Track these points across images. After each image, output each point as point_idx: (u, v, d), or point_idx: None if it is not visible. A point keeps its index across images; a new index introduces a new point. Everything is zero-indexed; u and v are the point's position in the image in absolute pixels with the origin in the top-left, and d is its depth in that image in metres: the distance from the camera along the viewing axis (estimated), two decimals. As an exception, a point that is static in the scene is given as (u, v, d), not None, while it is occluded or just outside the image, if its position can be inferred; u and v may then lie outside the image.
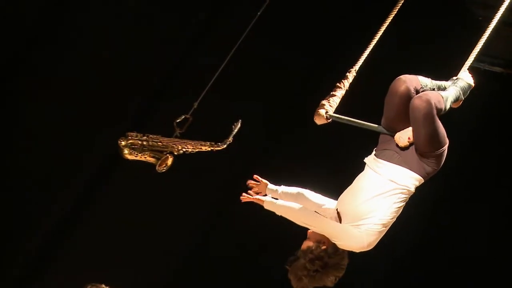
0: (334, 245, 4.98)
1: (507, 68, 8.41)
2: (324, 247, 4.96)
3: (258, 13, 5.78)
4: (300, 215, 5.08)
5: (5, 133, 7.67)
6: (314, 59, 8.41)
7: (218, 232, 8.77)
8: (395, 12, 5.45)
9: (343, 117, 5.21)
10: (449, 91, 5.14)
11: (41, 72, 7.60)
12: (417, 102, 4.90)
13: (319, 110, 5.20)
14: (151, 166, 5.66)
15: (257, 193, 5.32)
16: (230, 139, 5.46)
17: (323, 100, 5.25)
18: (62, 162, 7.85)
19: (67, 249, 8.17)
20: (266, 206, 5.18)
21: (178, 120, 5.51)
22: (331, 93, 5.28)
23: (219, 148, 5.46)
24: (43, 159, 7.81)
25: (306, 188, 5.28)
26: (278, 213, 5.16)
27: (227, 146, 5.44)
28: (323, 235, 5.00)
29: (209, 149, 5.45)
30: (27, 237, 7.93)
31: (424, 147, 4.97)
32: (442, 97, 5.01)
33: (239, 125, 5.49)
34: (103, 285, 6.42)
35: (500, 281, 8.96)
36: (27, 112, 7.69)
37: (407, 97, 5.00)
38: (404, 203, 5.07)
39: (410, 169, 5.02)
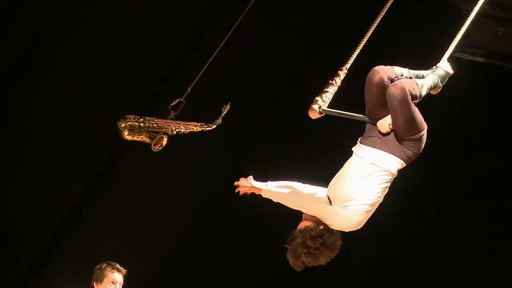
0: (328, 226, 5.19)
1: (488, 58, 8.62)
2: (322, 226, 5.15)
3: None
4: (294, 200, 5.26)
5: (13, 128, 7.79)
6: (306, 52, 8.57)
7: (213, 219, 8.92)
8: (383, 14, 5.65)
9: (334, 110, 5.44)
10: (426, 79, 5.38)
11: (42, 68, 7.71)
12: (392, 89, 5.14)
13: (312, 105, 5.43)
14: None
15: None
16: (220, 120, 5.75)
17: (316, 96, 5.47)
18: (66, 156, 7.98)
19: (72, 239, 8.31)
20: (264, 194, 5.31)
21: (172, 104, 5.82)
22: (324, 89, 5.50)
23: (209, 129, 5.75)
24: (47, 152, 7.92)
25: (294, 179, 5.40)
26: (275, 199, 5.32)
27: (216, 126, 5.70)
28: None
29: (200, 129, 5.75)
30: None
31: (403, 132, 5.21)
32: (417, 84, 5.25)
33: (228, 107, 5.75)
34: (118, 265, 6.64)
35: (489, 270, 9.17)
36: (31, 108, 7.80)
37: (382, 86, 5.23)
38: (388, 184, 5.30)
39: (391, 153, 5.25)
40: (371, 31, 5.61)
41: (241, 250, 8.96)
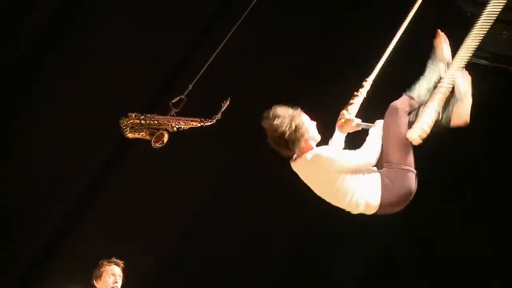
0: None
1: (492, 61, 8.60)
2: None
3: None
4: None
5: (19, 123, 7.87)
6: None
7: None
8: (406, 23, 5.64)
9: (370, 124, 5.30)
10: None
11: (43, 65, 7.79)
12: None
13: (346, 120, 5.24)
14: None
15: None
16: (219, 115, 5.78)
17: (343, 109, 5.29)
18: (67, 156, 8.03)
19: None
20: None
21: (174, 101, 5.85)
22: (349, 101, 5.34)
23: (208, 124, 5.79)
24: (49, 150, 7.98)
25: None
26: None
27: (216, 121, 5.73)
28: None
29: (199, 124, 5.80)
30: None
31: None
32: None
33: (228, 103, 5.77)
34: (114, 258, 6.72)
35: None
36: (31, 106, 7.87)
37: None
38: None
39: None
40: (395, 42, 5.51)
41: (244, 248, 8.97)
